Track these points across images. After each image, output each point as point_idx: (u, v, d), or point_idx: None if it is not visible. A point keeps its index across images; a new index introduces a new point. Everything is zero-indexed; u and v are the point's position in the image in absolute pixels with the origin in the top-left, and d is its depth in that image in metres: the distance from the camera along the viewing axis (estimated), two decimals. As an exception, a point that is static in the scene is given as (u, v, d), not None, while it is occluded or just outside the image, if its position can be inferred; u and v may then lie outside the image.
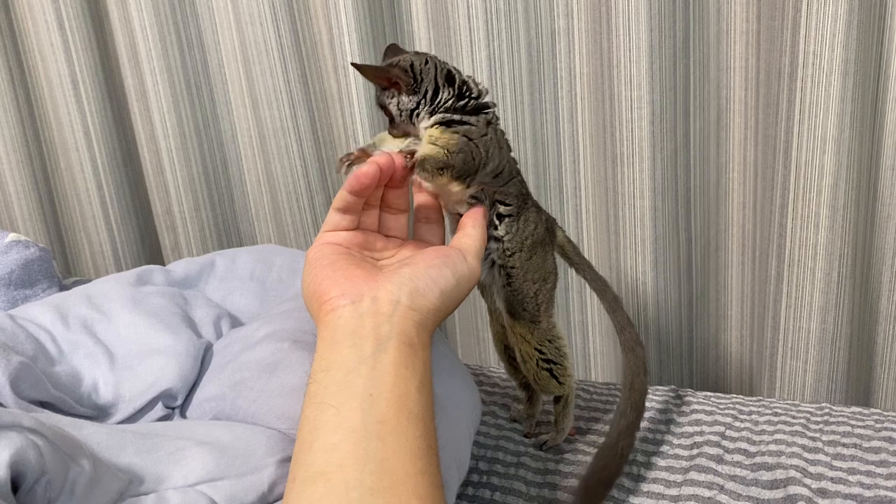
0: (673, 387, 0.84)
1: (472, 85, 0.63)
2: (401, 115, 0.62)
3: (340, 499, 0.43)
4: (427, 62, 0.62)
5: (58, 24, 1.23)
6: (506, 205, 0.64)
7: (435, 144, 0.59)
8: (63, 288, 0.89)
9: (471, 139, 0.60)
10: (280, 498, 0.51)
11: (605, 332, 1.12)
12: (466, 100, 0.61)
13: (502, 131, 0.64)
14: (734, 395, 0.82)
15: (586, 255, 1.11)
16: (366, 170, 0.55)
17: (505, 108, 1.04)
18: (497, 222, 0.64)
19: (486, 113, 0.62)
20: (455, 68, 0.63)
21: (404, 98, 0.61)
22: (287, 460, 0.51)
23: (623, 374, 0.69)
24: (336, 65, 1.09)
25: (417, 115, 0.61)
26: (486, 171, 0.61)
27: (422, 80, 0.61)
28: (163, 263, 1.26)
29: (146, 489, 0.48)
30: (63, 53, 1.25)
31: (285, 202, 1.22)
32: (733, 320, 1.10)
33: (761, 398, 0.81)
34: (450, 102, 0.61)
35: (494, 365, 1.20)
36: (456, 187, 0.60)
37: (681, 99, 0.98)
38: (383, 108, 0.63)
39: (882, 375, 1.03)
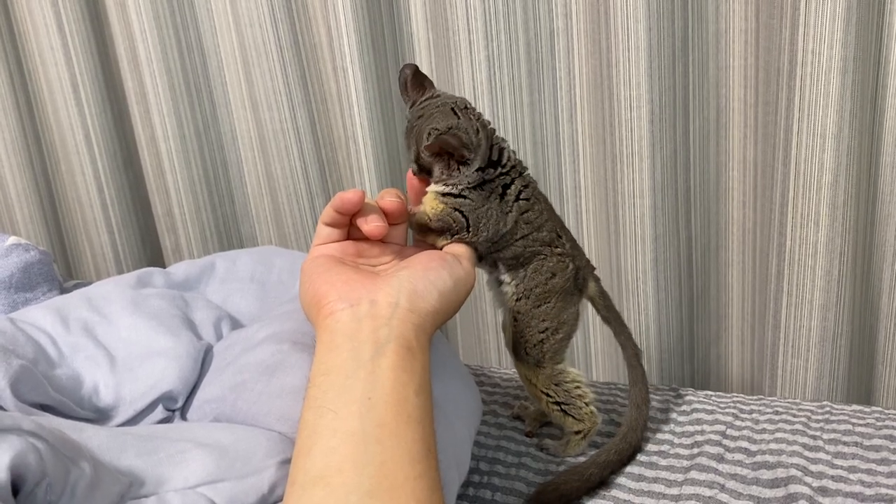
0: (673, 386, 0.84)
1: (506, 157, 0.64)
2: (440, 177, 0.63)
3: (339, 502, 0.43)
4: (478, 140, 0.62)
5: (57, 28, 1.23)
6: (503, 264, 0.67)
7: (425, 206, 0.63)
8: (63, 291, 0.89)
9: (458, 210, 0.62)
10: (280, 499, 0.51)
11: (607, 332, 1.12)
12: (476, 178, 0.63)
13: (532, 197, 0.65)
14: (735, 394, 0.82)
15: (587, 256, 1.11)
16: (350, 196, 0.56)
17: (504, 109, 1.04)
18: (501, 267, 0.67)
19: (502, 181, 0.64)
20: (498, 137, 0.65)
21: (454, 170, 0.62)
22: (287, 462, 0.51)
23: (623, 424, 0.71)
24: (335, 66, 1.10)
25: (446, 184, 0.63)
26: (479, 240, 0.63)
27: (474, 156, 0.62)
28: (164, 265, 1.26)
29: (147, 491, 0.48)
30: (63, 56, 1.25)
31: (286, 204, 1.22)
32: (734, 319, 1.10)
33: (762, 397, 0.81)
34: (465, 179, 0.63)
35: (495, 365, 1.20)
36: (441, 243, 0.63)
37: (680, 98, 0.98)
38: (420, 164, 0.64)
39: (883, 373, 1.03)
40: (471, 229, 0.62)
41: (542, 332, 0.67)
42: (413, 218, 0.63)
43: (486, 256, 0.66)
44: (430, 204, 0.63)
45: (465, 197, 0.62)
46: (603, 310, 0.72)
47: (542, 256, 0.66)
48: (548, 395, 0.69)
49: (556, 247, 0.67)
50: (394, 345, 0.50)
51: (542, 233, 0.66)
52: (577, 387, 0.70)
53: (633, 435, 0.70)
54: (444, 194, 0.63)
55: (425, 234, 0.64)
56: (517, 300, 0.67)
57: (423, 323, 0.53)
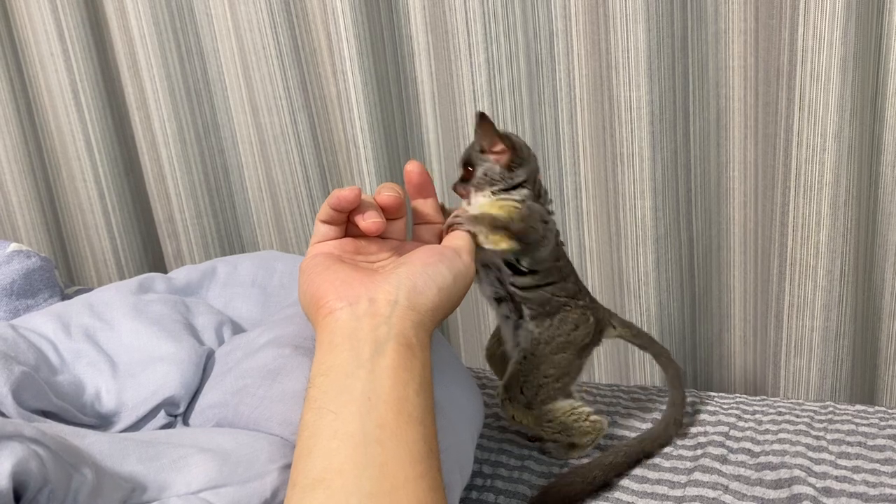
0: (676, 387, 0.84)
1: (544, 192, 0.67)
2: (483, 180, 0.64)
3: (340, 504, 0.43)
4: (529, 154, 0.65)
5: (58, 34, 1.23)
6: (529, 309, 0.67)
7: (500, 209, 0.63)
8: (65, 297, 0.89)
9: (532, 214, 0.63)
10: (282, 504, 0.51)
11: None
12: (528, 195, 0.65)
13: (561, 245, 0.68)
14: (738, 395, 0.81)
15: (588, 257, 1.11)
16: (346, 194, 0.56)
17: (504, 111, 1.04)
18: (525, 312, 0.68)
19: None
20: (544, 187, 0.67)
21: (497, 168, 0.64)
22: (289, 466, 0.51)
23: (645, 432, 0.72)
24: (335, 70, 1.10)
25: (490, 187, 0.64)
26: (538, 255, 0.64)
27: (521, 164, 0.64)
28: (165, 271, 1.26)
29: (149, 497, 0.48)
30: (63, 63, 1.25)
31: (286, 208, 1.22)
32: (736, 319, 1.10)
33: (765, 397, 0.81)
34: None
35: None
36: (505, 245, 0.62)
37: (680, 99, 0.98)
38: (468, 166, 0.65)
39: (886, 373, 1.03)
40: (542, 233, 0.64)
41: (546, 377, 0.68)
42: (483, 220, 0.61)
43: (507, 297, 0.67)
44: (506, 206, 0.63)
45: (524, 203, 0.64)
46: (635, 339, 0.75)
47: (568, 308, 0.67)
48: (543, 430, 0.70)
49: (579, 300, 0.68)
50: (393, 343, 0.49)
51: (568, 283, 0.67)
52: (570, 415, 0.70)
53: (649, 443, 0.71)
54: (510, 200, 0.64)
55: (493, 233, 0.62)
56: (536, 344, 0.68)
57: (422, 320, 0.52)
